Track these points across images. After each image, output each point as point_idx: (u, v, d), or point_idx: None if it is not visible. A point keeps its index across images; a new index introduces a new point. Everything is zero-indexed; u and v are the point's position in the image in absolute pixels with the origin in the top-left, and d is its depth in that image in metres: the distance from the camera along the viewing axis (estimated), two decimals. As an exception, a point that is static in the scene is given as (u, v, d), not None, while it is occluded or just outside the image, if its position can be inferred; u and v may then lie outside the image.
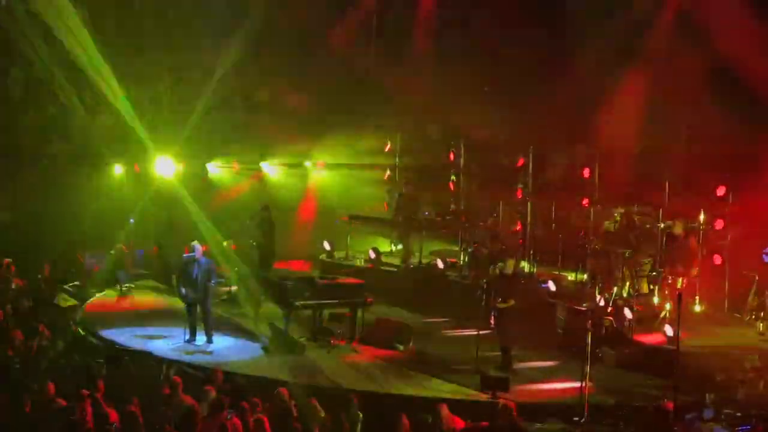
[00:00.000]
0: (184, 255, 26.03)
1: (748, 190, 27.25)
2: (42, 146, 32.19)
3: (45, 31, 31.21)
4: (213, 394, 19.95)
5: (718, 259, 27.43)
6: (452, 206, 32.69)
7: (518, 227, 30.80)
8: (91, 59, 31.19)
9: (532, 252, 29.90)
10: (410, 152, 33.92)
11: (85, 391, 18.48)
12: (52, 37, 31.60)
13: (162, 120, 33.31)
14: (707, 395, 22.01)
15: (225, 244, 29.94)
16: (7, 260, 28.48)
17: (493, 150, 33.04)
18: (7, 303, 26.40)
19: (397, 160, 33.88)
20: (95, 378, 20.55)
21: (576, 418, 21.27)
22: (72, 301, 27.35)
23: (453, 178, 32.77)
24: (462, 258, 30.50)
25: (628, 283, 27.11)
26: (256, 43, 33.31)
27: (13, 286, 27.97)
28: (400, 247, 32.40)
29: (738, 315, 26.96)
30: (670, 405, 20.56)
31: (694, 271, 26.93)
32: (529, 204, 30.60)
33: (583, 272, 28.24)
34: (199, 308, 25.76)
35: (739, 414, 21.14)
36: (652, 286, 27.36)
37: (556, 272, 29.05)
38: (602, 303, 26.13)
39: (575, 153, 31.72)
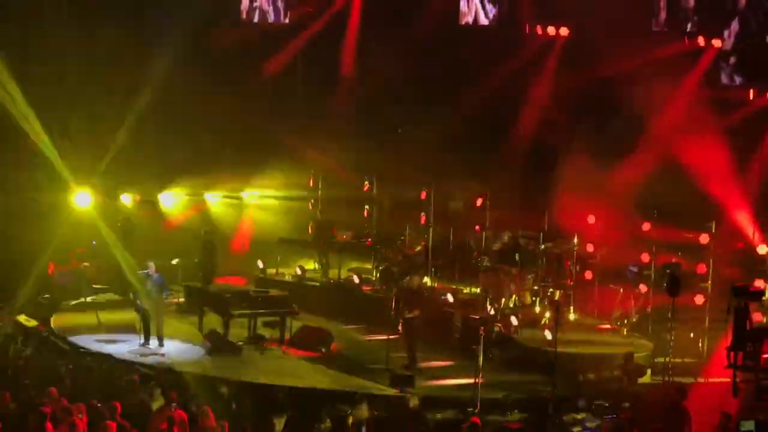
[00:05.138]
0: (140, 271, 25.90)
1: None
2: (18, 177, 31.72)
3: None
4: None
5: (589, 275, 27.66)
6: (366, 230, 32.61)
7: (422, 247, 30.77)
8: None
9: (433, 269, 29.87)
10: (330, 185, 33.70)
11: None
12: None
13: (120, 157, 33.05)
14: (580, 390, 22.14)
15: (174, 262, 29.74)
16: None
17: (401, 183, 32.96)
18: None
19: (319, 192, 33.69)
20: (63, 377, 20.42)
21: (470, 409, 21.31)
22: (33, 322, 26.93)
23: (366, 206, 32.73)
24: (374, 274, 30.44)
25: (514, 296, 27.21)
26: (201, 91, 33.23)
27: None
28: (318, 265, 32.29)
29: (606, 322, 27.14)
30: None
31: (568, 284, 27.24)
32: (431, 229, 30.61)
33: (476, 286, 28.25)
34: (151, 317, 25.59)
35: (606, 405, 21.27)
36: (533, 298, 27.50)
37: (454, 286, 29.04)
38: (492, 312, 26.24)
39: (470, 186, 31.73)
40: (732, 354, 22.18)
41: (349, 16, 35.93)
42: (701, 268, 25.56)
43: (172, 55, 33.31)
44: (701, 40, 30.29)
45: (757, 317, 23.84)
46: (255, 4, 35.79)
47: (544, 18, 33.04)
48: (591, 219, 28.08)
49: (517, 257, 28.09)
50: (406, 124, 33.56)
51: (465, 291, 28.86)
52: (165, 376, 22.09)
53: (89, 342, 25.69)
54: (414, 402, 21.60)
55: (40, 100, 31.95)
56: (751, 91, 29.11)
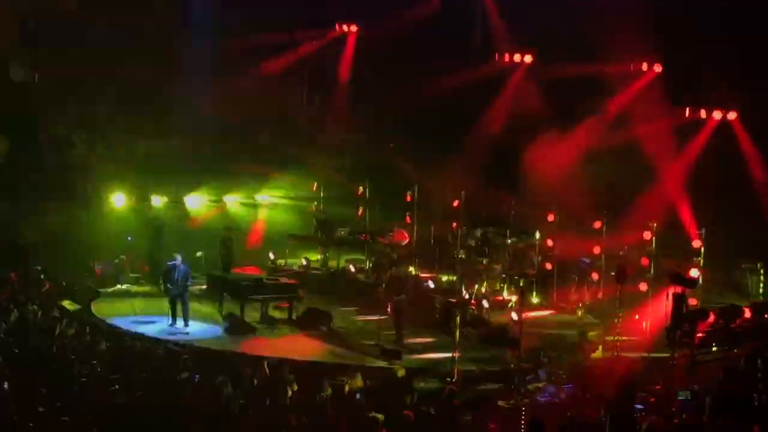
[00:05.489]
0: (168, 262, 25.76)
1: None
2: (63, 184, 31.56)
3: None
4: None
5: (549, 265, 27.57)
6: (360, 228, 32.51)
7: (407, 242, 30.68)
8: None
9: (417, 260, 29.75)
10: (330, 189, 33.57)
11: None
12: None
13: (153, 168, 32.99)
14: (541, 361, 22.04)
15: (198, 254, 29.56)
16: (38, 268, 27.98)
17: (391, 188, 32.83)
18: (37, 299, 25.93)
19: (322, 195, 33.53)
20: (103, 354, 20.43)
21: (448, 379, 21.19)
22: (75, 306, 26.73)
23: (361, 207, 32.61)
24: (367, 264, 30.36)
25: (485, 283, 27.12)
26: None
27: (45, 288, 27.37)
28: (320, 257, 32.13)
29: (563, 305, 27.06)
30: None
31: (530, 273, 27.21)
32: (415, 226, 30.51)
33: (453, 275, 28.12)
34: (178, 301, 25.43)
35: (564, 376, 21.20)
36: (502, 285, 27.43)
37: (434, 274, 28.89)
38: (467, 296, 26.11)
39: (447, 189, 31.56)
40: (671, 333, 22.18)
41: (345, 42, 35.85)
42: (644, 261, 25.45)
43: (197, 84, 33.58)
44: (644, 65, 30.22)
45: (692, 302, 23.81)
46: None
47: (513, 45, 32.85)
48: (550, 217, 28.00)
49: (487, 250, 28.06)
50: (395, 138, 33.32)
51: (444, 279, 28.70)
52: (190, 351, 22.01)
53: (125, 323, 25.46)
54: (401, 372, 21.51)
55: (84, 118, 32.25)
56: (688, 109, 29.02)
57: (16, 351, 20.84)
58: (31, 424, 15.52)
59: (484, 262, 27.62)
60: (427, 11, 33.62)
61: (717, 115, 28.44)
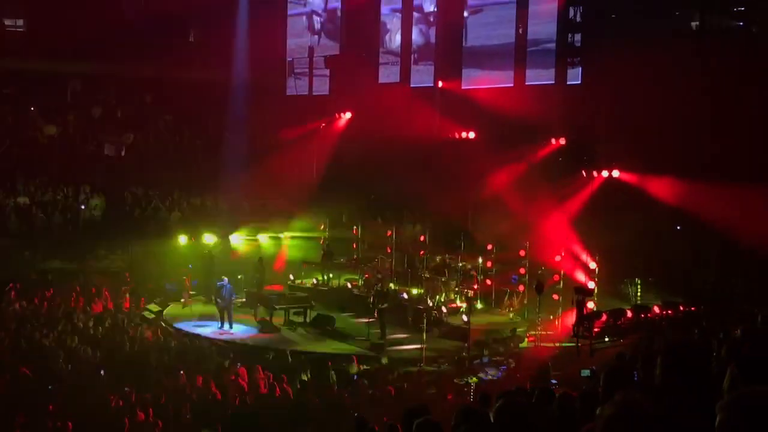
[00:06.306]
0: (218, 282, 25.71)
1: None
2: (143, 229, 31.62)
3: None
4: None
5: (489, 282, 27.56)
6: (354, 255, 32.40)
7: (388, 266, 30.63)
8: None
9: (395, 279, 29.68)
10: (333, 228, 33.39)
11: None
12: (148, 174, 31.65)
13: (206, 215, 32.94)
14: (484, 350, 22.05)
15: (239, 277, 29.47)
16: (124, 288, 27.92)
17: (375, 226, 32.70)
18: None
19: (327, 233, 33.43)
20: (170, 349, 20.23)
21: (420, 364, 21.17)
22: (152, 314, 26.65)
23: (354, 242, 32.50)
24: (360, 282, 30.25)
25: (443, 294, 27.10)
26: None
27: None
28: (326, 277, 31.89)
29: (499, 309, 27.05)
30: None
31: (475, 287, 27.18)
32: (393, 254, 30.47)
33: (421, 289, 28.07)
34: (225, 310, 25.37)
35: (501, 360, 21.21)
36: (455, 296, 27.40)
37: (408, 289, 28.83)
38: (431, 304, 26.04)
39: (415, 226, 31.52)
40: (575, 329, 22.23)
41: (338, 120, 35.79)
42: (556, 278, 25.49)
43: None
44: (553, 140, 30.26)
45: (590, 305, 23.87)
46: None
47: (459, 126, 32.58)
48: (489, 246, 27.95)
49: (445, 271, 28.07)
50: (376, 191, 33.17)
51: (414, 292, 28.64)
52: (233, 346, 21.94)
53: (187, 326, 25.41)
54: (384, 360, 21.50)
55: (156, 183, 32.28)
56: (584, 171, 29.08)
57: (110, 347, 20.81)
58: (121, 401, 15.49)
59: (443, 279, 27.58)
60: (398, 93, 33.34)
61: (605, 173, 28.58)
